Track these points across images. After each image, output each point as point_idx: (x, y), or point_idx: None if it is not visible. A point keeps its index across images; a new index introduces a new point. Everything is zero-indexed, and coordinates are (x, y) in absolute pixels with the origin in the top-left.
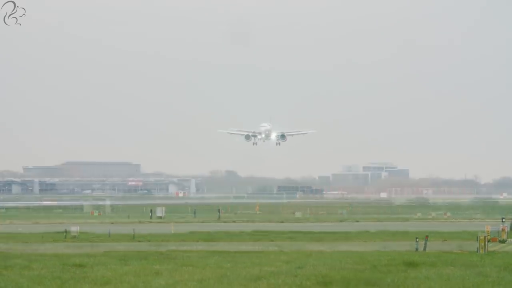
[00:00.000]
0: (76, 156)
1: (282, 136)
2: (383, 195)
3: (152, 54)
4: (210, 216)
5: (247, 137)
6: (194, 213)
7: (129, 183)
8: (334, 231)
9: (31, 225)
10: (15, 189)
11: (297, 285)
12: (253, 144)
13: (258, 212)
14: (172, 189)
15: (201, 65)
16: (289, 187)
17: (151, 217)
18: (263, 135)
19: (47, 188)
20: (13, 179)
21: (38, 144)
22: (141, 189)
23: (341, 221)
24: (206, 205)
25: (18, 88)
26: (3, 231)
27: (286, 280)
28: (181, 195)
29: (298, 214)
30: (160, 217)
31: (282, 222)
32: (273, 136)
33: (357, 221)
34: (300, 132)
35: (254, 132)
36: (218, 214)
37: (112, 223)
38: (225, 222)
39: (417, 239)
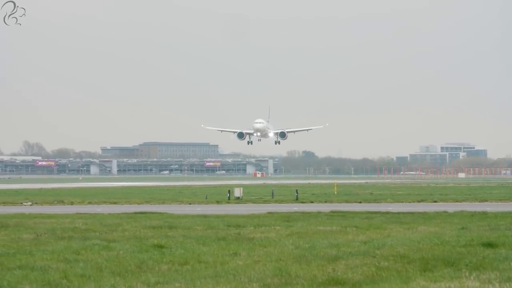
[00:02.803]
0: (154, 137)
1: (282, 134)
2: (461, 175)
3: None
4: (287, 197)
5: (240, 135)
6: (272, 193)
7: (207, 163)
8: (412, 211)
9: (110, 206)
10: (93, 169)
11: (375, 265)
12: (248, 143)
13: (335, 192)
14: (250, 169)
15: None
16: (366, 168)
17: (229, 198)
18: (258, 133)
19: (125, 169)
20: (91, 159)
21: (116, 125)
22: (218, 170)
23: (419, 201)
24: (284, 185)
25: (97, 70)
26: (82, 212)
27: (364, 260)
28: (259, 175)
29: (376, 194)
30: (238, 198)
31: (360, 202)
32: (271, 134)
33: (435, 202)
34: (304, 129)
35: (248, 131)
36: (296, 194)
37: (190, 203)
38: (302, 202)
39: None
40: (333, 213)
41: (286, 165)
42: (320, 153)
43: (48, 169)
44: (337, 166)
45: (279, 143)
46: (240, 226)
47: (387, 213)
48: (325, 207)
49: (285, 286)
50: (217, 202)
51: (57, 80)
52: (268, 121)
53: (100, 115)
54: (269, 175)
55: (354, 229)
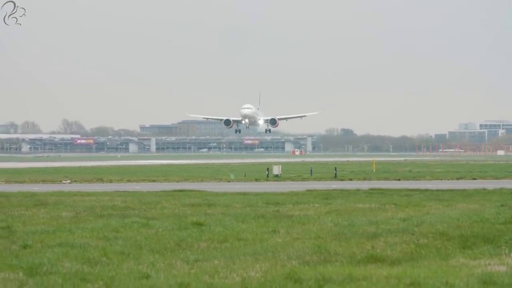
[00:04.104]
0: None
1: (273, 121)
2: (500, 152)
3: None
4: (326, 174)
5: (227, 123)
6: (311, 171)
7: (245, 141)
8: (451, 188)
9: (148, 184)
10: (132, 147)
11: (414, 243)
12: (236, 131)
13: (374, 170)
14: (288, 147)
15: None
16: (405, 145)
17: (267, 176)
18: (246, 120)
19: (163, 147)
20: (130, 138)
21: (154, 103)
22: (257, 148)
23: (458, 179)
24: (322, 163)
25: (135, 52)
26: (121, 189)
27: (403, 238)
28: (297, 153)
29: (414, 172)
30: (277, 176)
31: (399, 179)
32: (261, 121)
33: (474, 179)
34: (297, 115)
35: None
36: (335, 172)
37: (229, 181)
38: (341, 180)
39: None
40: (372, 191)
41: (324, 142)
42: (359, 131)
43: (87, 147)
44: (376, 143)
45: (269, 131)
46: (279, 203)
47: (426, 190)
48: (364, 185)
49: (324, 264)
50: (256, 179)
51: (96, 59)
52: (258, 108)
53: (139, 93)
54: (308, 152)
55: (393, 207)
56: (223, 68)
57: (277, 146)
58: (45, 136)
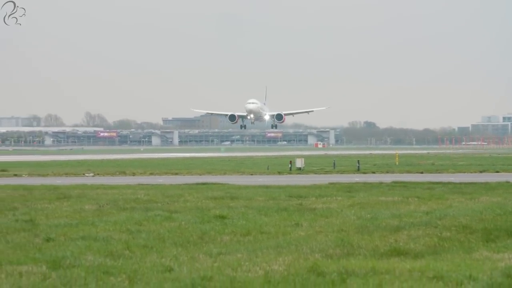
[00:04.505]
0: (216, 108)
1: (279, 117)
2: None
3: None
4: (349, 167)
5: (232, 118)
6: (334, 164)
7: (268, 134)
8: (474, 181)
9: (171, 177)
10: (155, 140)
11: (437, 236)
12: (241, 127)
13: (397, 163)
14: (311, 140)
15: None
16: (428, 138)
17: (290, 169)
18: (251, 115)
19: (186, 140)
20: (152, 130)
21: (177, 96)
22: (280, 140)
23: (481, 171)
24: (345, 156)
25: (157, 46)
26: (144, 182)
27: (426, 231)
28: (320, 146)
29: (437, 165)
30: (300, 169)
31: (422, 172)
32: (267, 116)
33: (497, 172)
34: (304, 111)
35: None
36: (358, 165)
37: (251, 174)
38: (364, 173)
39: None
40: (395, 184)
41: (347, 135)
42: (382, 124)
43: (109, 140)
44: (399, 136)
45: (275, 127)
46: (302, 196)
47: (449, 183)
48: (387, 178)
49: (347, 257)
50: (279, 172)
51: (117, 50)
52: (264, 103)
53: (161, 86)
54: (331, 145)
55: (416, 200)
56: (228, 61)
57: (300, 139)
58: (68, 129)
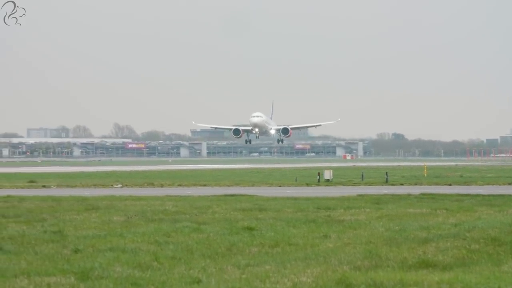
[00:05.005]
0: (243, 119)
1: (285, 131)
2: None
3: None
4: (377, 179)
5: (236, 132)
6: (362, 176)
7: (297, 146)
8: (502, 194)
9: (199, 188)
10: (183, 152)
11: (466, 248)
12: (246, 142)
13: (425, 175)
14: (339, 152)
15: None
16: (456, 150)
17: (318, 180)
18: (256, 129)
19: (214, 151)
20: (181, 142)
21: (205, 107)
22: (308, 152)
23: (510, 184)
24: (373, 168)
25: (181, 54)
26: (172, 194)
27: (455, 243)
28: (348, 158)
29: (466, 177)
30: (328, 180)
31: (450, 184)
32: (273, 131)
33: None
34: (312, 125)
35: (245, 127)
36: (386, 177)
37: (280, 185)
38: (392, 185)
39: None
40: (423, 196)
41: (375, 147)
42: (410, 135)
43: (138, 151)
44: (427, 148)
45: (282, 142)
46: (330, 208)
47: (477, 195)
48: (415, 190)
49: (375, 269)
50: (307, 184)
51: (143, 65)
52: (271, 118)
53: (190, 97)
54: (359, 157)
55: (444, 212)
56: (240, 72)
57: (328, 150)
58: (96, 140)
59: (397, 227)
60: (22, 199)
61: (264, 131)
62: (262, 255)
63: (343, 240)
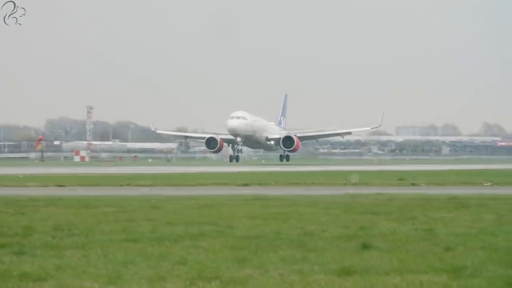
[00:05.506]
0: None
1: (288, 142)
2: None
3: None
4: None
5: (210, 144)
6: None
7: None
8: None
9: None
10: None
11: None
12: (231, 159)
13: None
14: None
15: None
16: None
17: None
18: (238, 139)
19: None
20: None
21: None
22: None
23: None
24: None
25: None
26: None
27: None
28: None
29: None
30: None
31: None
32: (272, 141)
33: None
34: (334, 132)
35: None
36: None
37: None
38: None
39: None
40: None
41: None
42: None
43: (508, 149)
44: None
45: (287, 159)
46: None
47: None
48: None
49: None
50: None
51: None
52: (281, 120)
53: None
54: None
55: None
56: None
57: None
58: (464, 138)
59: None
60: (391, 197)
61: (255, 140)
62: None
63: None
